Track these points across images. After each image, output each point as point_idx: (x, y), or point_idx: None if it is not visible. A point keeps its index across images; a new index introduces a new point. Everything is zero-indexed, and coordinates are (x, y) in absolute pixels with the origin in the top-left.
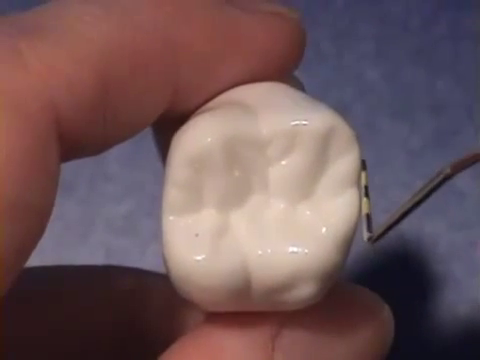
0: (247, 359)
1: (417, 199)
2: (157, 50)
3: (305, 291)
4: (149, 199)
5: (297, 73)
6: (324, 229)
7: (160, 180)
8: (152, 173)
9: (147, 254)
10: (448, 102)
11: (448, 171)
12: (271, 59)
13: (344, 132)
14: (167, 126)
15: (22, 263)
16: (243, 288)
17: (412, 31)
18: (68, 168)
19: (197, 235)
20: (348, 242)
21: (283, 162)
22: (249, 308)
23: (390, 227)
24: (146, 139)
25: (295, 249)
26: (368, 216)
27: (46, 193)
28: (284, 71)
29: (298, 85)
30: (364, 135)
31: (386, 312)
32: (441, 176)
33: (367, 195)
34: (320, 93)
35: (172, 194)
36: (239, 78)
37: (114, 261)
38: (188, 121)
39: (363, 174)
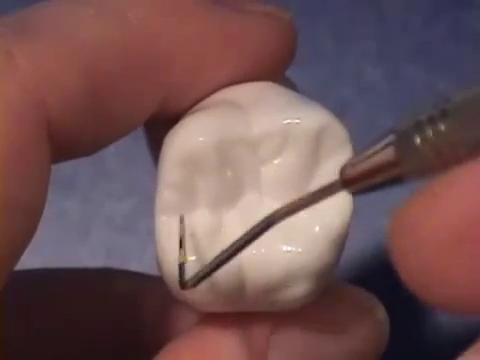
0: (242, 359)
1: (238, 245)
2: (148, 50)
3: (299, 290)
4: (149, 198)
5: (297, 72)
6: (317, 228)
7: None
8: (152, 171)
9: (147, 252)
10: None
11: (273, 217)
12: (263, 59)
13: (337, 131)
14: (159, 126)
15: (13, 262)
16: (237, 288)
17: (412, 30)
18: (68, 167)
19: (190, 235)
20: (342, 241)
21: (275, 161)
22: (243, 308)
23: (206, 275)
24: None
25: (289, 248)
26: (181, 266)
27: (36, 192)
28: (276, 71)
29: (290, 85)
30: (364, 134)
31: (381, 311)
32: (264, 222)
33: (181, 246)
34: (320, 92)
35: (165, 195)
36: (231, 78)
37: (114, 259)
38: (180, 121)
39: (181, 226)
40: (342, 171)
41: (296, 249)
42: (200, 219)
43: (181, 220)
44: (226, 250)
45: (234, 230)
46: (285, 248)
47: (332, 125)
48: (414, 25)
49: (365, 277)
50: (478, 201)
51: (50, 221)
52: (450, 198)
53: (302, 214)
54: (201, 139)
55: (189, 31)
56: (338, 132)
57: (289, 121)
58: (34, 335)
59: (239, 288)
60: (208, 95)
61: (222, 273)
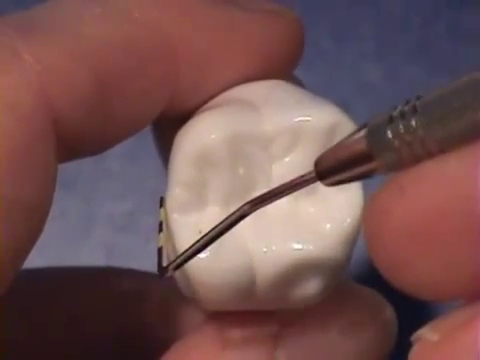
0: (249, 358)
1: (213, 234)
2: (156, 48)
3: (310, 288)
4: (150, 196)
5: (297, 71)
6: (328, 225)
7: (162, 177)
8: (154, 170)
9: (148, 252)
10: None
11: (246, 208)
12: (270, 57)
13: (347, 128)
14: (167, 125)
15: (21, 262)
16: (248, 286)
17: (412, 30)
18: (69, 166)
19: (201, 233)
20: (353, 238)
21: (287, 159)
22: (253, 307)
23: (184, 262)
24: (148, 136)
25: (300, 246)
26: (160, 251)
27: (43, 192)
28: (284, 69)
29: (297, 83)
30: None
31: (389, 312)
32: (238, 213)
33: (161, 230)
34: (320, 92)
35: (176, 192)
36: (239, 76)
37: (115, 258)
38: (191, 119)
39: (161, 210)
40: (316, 163)
41: (307, 247)
42: (211, 216)
43: (161, 204)
44: (202, 237)
45: (244, 227)
46: (296, 246)
47: (343, 123)
48: (413, 25)
49: (373, 276)
50: (438, 198)
51: (51, 220)
52: (414, 193)
53: (313, 211)
54: (213, 136)
55: (197, 30)
56: (349, 129)
57: (300, 119)
58: (35, 335)
59: (250, 286)
60: (217, 94)
61: (233, 271)
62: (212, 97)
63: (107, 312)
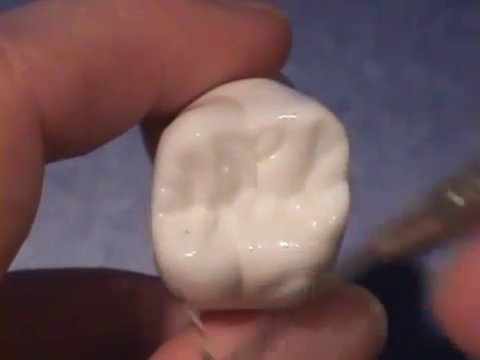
0: (238, 358)
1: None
2: (141, 48)
3: (297, 287)
4: (149, 195)
5: (296, 70)
6: (315, 223)
7: None
8: (151, 169)
9: (147, 250)
10: (447, 99)
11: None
12: (256, 56)
13: (332, 125)
14: (154, 124)
15: (9, 262)
16: (235, 285)
17: (412, 28)
18: (67, 164)
19: (187, 232)
20: (339, 236)
21: (272, 157)
22: (241, 306)
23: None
24: None
25: (286, 244)
26: None
27: (31, 191)
28: (270, 68)
29: (285, 82)
30: (363, 132)
31: (378, 308)
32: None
33: None
34: (319, 90)
35: (161, 191)
36: (225, 75)
37: (114, 257)
38: (176, 118)
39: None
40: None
41: (293, 245)
42: (197, 216)
43: None
44: None
45: (231, 227)
46: (282, 244)
47: (327, 120)
48: (413, 23)
49: (362, 275)
50: None
51: (49, 219)
52: None
53: (299, 209)
54: (198, 135)
55: (182, 29)
56: (334, 126)
57: (284, 116)
58: (32, 337)
59: (237, 285)
60: (203, 93)
61: (219, 270)
62: (198, 96)
63: (103, 313)
